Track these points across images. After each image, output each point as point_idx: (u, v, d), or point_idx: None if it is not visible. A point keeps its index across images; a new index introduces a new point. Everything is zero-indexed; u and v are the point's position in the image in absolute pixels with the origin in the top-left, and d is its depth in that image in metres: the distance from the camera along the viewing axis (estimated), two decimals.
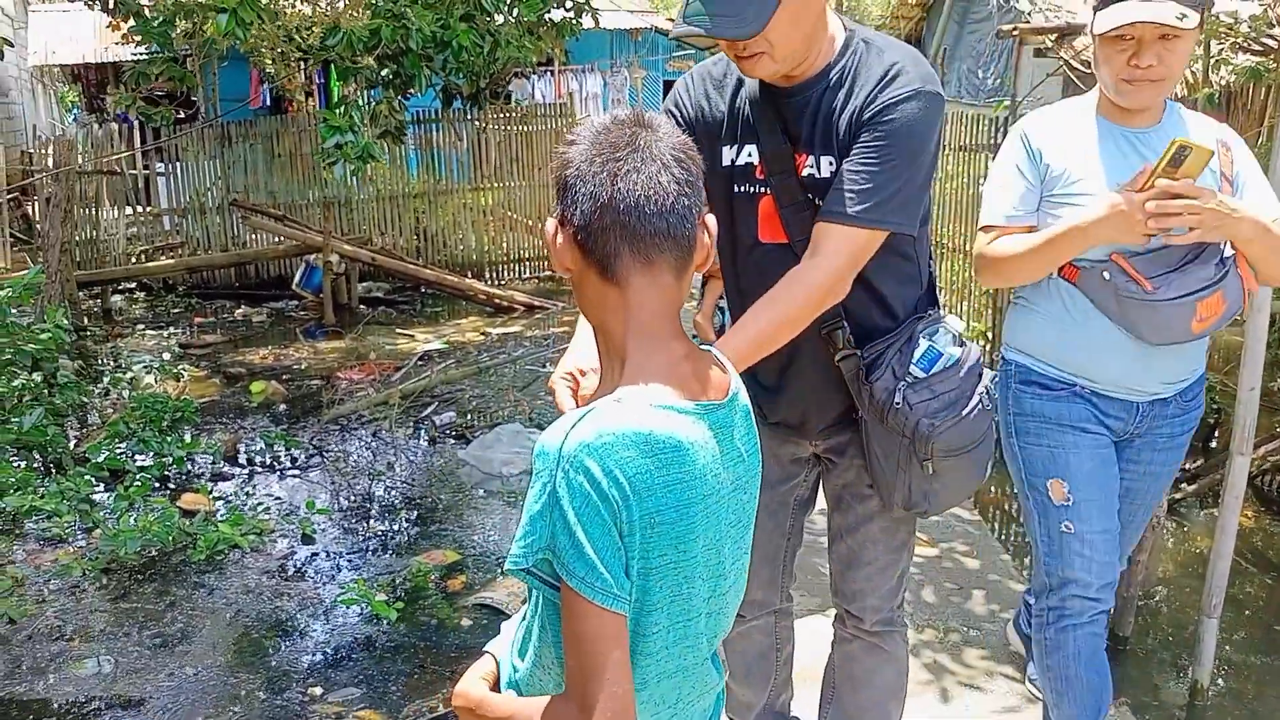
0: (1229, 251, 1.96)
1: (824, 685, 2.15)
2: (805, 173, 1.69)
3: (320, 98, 11.50)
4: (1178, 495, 4.39)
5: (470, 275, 9.34)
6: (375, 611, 3.37)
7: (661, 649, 1.03)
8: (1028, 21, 7.69)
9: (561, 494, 0.94)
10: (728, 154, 1.77)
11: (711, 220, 1.12)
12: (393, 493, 4.64)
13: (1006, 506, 4.86)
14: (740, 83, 1.75)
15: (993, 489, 5.03)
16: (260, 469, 4.92)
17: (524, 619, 1.15)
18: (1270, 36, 4.90)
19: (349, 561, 3.90)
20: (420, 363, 6.63)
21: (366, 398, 5.85)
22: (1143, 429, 2.12)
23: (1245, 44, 5.50)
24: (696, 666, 1.08)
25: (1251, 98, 4.62)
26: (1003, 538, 4.28)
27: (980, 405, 1.75)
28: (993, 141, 6.51)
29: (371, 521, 4.31)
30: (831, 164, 1.65)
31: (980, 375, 1.78)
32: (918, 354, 1.73)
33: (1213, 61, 5.48)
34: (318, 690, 2.95)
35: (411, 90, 5.59)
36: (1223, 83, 5.35)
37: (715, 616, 1.10)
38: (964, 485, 1.84)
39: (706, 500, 1.02)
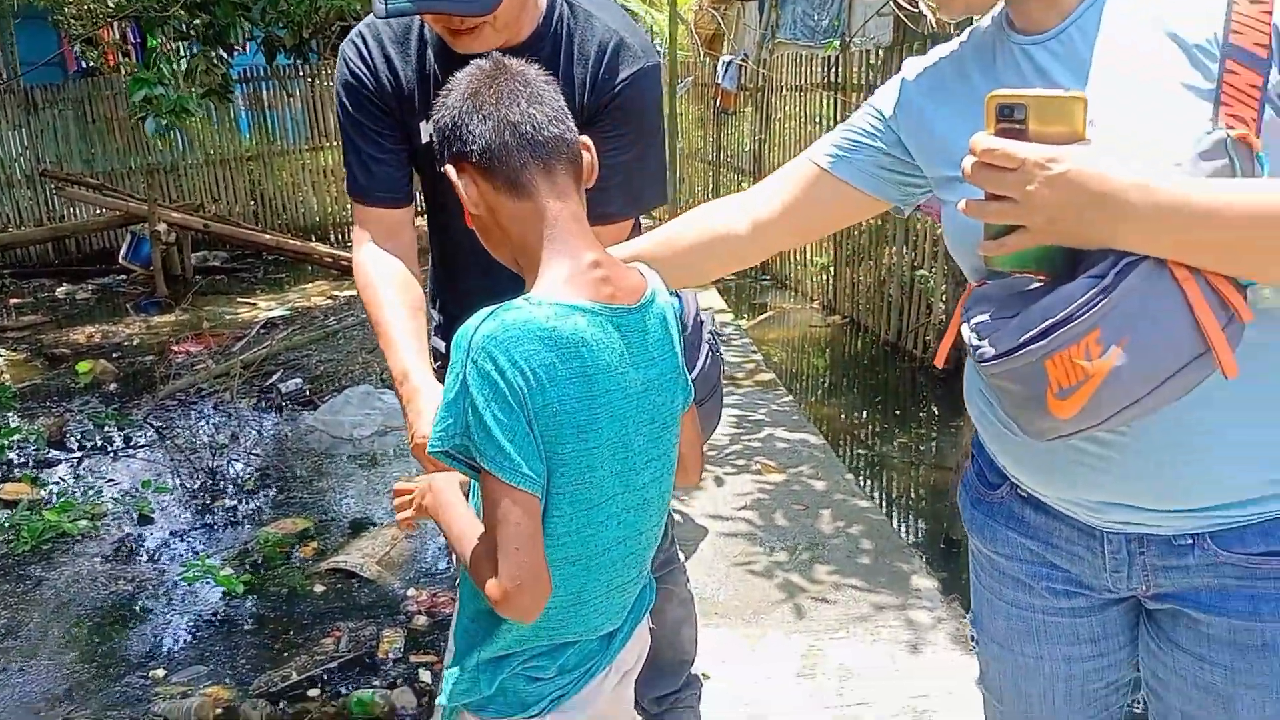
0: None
1: None
2: None
3: (138, 57, 10.75)
4: None
5: (314, 238, 8.97)
6: (221, 586, 3.23)
7: (565, 534, 1.10)
8: None
9: (471, 382, 1.02)
10: (426, 130, 1.57)
11: (589, 141, 1.17)
12: (238, 465, 4.44)
13: (855, 432, 5.07)
14: (424, 44, 1.54)
15: (842, 415, 5.23)
16: (91, 452, 4.63)
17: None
18: None
19: (192, 539, 3.72)
20: (263, 331, 6.36)
21: (205, 370, 5.57)
22: (1157, 589, 1.07)
23: None
24: (601, 556, 1.14)
25: None
26: (846, 460, 4.46)
27: (711, 352, 1.75)
28: (825, 80, 6.67)
29: (216, 496, 4.12)
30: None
31: (703, 323, 1.77)
32: None
33: None
34: (160, 672, 2.81)
35: (234, 46, 5.25)
36: None
37: (633, 513, 1.16)
38: (709, 427, 1.85)
39: (610, 395, 1.08)
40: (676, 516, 3.48)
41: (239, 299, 7.54)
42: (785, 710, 2.40)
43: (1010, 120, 0.88)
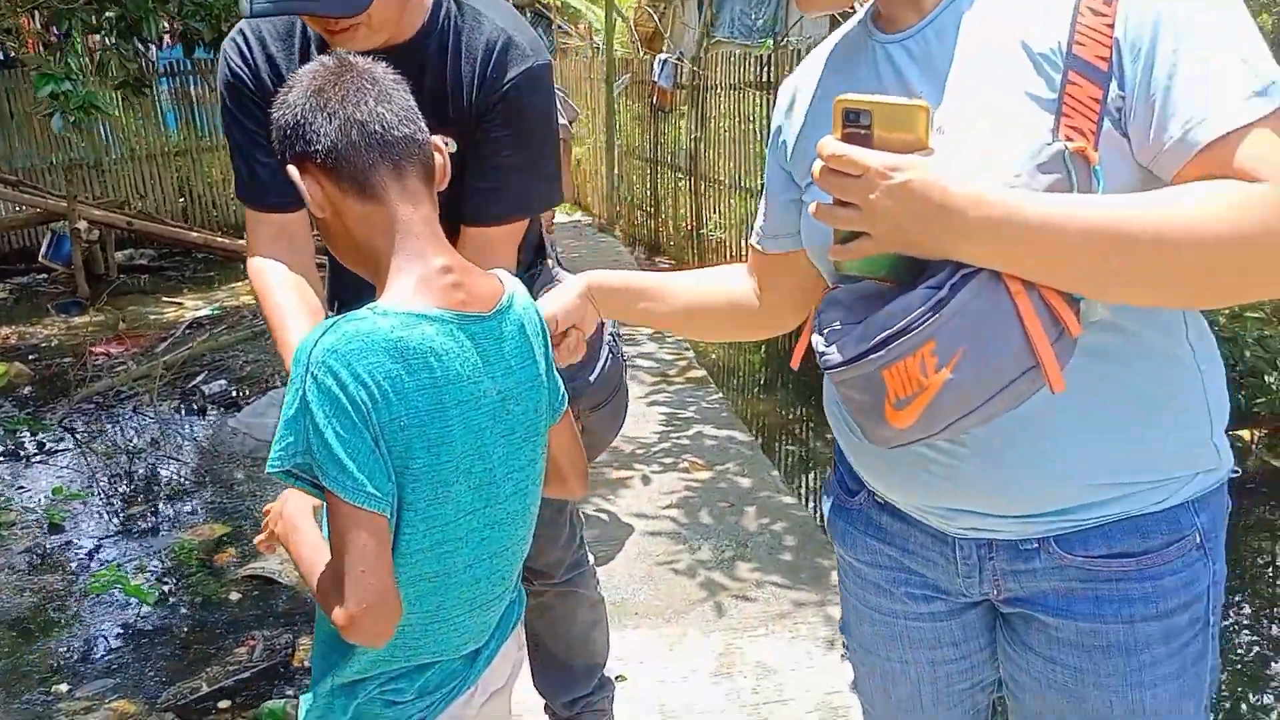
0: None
1: (526, 637, 2.16)
2: None
3: (61, 49, 10.41)
4: None
5: (244, 236, 8.79)
6: (131, 596, 3.14)
7: (418, 551, 1.05)
8: None
9: (311, 398, 0.97)
10: None
11: (440, 141, 1.13)
12: (156, 469, 4.33)
13: (788, 429, 5.10)
14: (308, 41, 1.49)
15: (780, 410, 5.26)
16: (1, 458, 4.47)
17: None
18: None
19: (105, 547, 3.61)
20: (189, 331, 6.20)
21: (126, 372, 5.42)
22: (1008, 593, 1.07)
23: None
24: (459, 574, 1.09)
25: None
26: (777, 456, 4.47)
27: (611, 354, 1.75)
28: (759, 79, 6.70)
29: (132, 502, 4.01)
30: (447, 143, 1.46)
31: (604, 323, 1.77)
32: None
33: None
34: (64, 687, 2.72)
35: (149, 39, 5.09)
36: None
37: (495, 528, 1.12)
38: (609, 431, 1.86)
39: (463, 407, 1.04)
40: (601, 515, 3.47)
41: (165, 298, 7.35)
42: (700, 710, 2.40)
43: (856, 125, 0.86)
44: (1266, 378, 4.04)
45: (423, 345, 1.01)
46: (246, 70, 1.51)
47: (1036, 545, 1.01)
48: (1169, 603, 0.98)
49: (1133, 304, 0.89)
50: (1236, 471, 1.04)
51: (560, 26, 12.94)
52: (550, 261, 1.82)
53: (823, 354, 0.94)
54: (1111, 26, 0.85)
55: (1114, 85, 0.85)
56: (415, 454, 1.01)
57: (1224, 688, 2.78)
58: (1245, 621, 3.15)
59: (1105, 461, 0.96)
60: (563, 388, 1.25)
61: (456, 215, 1.53)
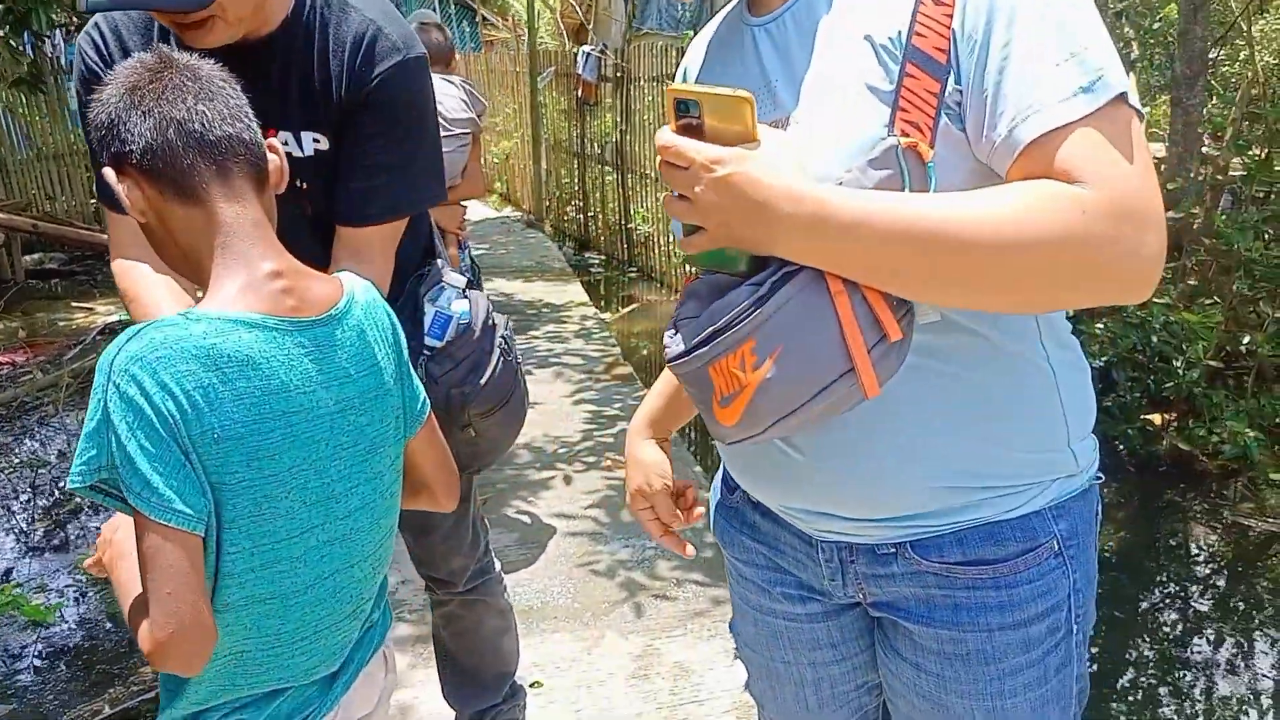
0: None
1: (435, 647, 2.13)
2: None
3: None
4: None
5: None
6: (29, 617, 3.02)
7: (246, 572, 1.00)
8: None
9: (113, 409, 0.91)
10: None
11: (276, 143, 1.10)
12: (61, 483, 4.17)
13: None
14: (168, 34, 1.42)
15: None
16: None
17: None
18: None
19: (6, 565, 3.47)
20: (99, 337, 5.99)
21: (31, 381, 5.21)
22: (873, 596, 1.06)
23: None
24: (301, 594, 1.04)
25: None
26: (704, 452, 4.47)
27: (502, 358, 1.71)
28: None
29: (36, 519, 3.85)
30: (318, 140, 1.46)
31: (495, 325, 1.73)
32: (427, 323, 1.64)
33: None
34: None
35: (40, 30, 4.84)
36: None
37: (338, 544, 1.07)
38: (505, 437, 1.82)
39: (290, 418, 1.00)
40: (523, 518, 3.42)
41: (75, 303, 7.08)
42: (616, 714, 2.38)
43: (688, 116, 0.84)
44: (1174, 362, 4.15)
45: (239, 353, 0.96)
46: (102, 66, 1.43)
47: (894, 550, 1.00)
48: (1025, 611, 0.97)
49: (955, 307, 0.87)
50: (1100, 478, 1.03)
51: (486, 19, 12.78)
52: (440, 261, 1.76)
53: (665, 346, 0.92)
54: (950, 17, 0.82)
55: (951, 79, 0.82)
56: (233, 468, 0.96)
57: (1145, 665, 2.85)
58: (1163, 601, 3.23)
59: (951, 465, 0.94)
60: (423, 395, 1.20)
61: (332, 216, 1.48)
